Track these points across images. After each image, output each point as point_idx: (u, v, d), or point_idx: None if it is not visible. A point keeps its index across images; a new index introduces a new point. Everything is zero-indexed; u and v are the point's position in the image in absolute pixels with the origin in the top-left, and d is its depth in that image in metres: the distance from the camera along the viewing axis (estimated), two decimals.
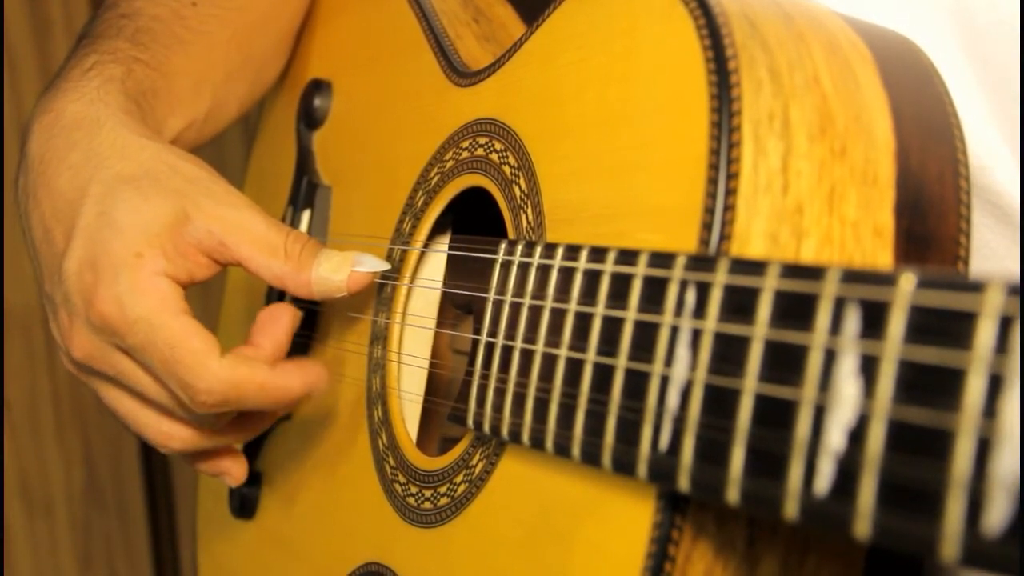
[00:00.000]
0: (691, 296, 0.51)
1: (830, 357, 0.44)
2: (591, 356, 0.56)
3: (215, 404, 0.69)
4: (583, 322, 0.57)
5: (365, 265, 0.74)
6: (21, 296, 1.62)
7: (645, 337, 0.53)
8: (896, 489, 0.41)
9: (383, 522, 0.75)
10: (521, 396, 0.60)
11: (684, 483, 0.50)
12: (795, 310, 0.46)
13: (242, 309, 1.01)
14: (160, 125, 0.83)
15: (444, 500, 0.69)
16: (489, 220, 0.72)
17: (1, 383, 1.63)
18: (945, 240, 0.56)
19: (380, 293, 0.80)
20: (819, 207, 0.53)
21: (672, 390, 0.51)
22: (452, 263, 0.77)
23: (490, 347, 0.64)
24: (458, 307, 0.76)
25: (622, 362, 0.54)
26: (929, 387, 0.40)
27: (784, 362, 0.45)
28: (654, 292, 0.53)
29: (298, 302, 0.81)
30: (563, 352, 0.58)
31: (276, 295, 0.91)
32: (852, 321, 0.43)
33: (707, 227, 0.53)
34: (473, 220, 0.78)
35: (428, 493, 0.71)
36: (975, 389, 0.38)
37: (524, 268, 0.63)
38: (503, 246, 0.65)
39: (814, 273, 0.45)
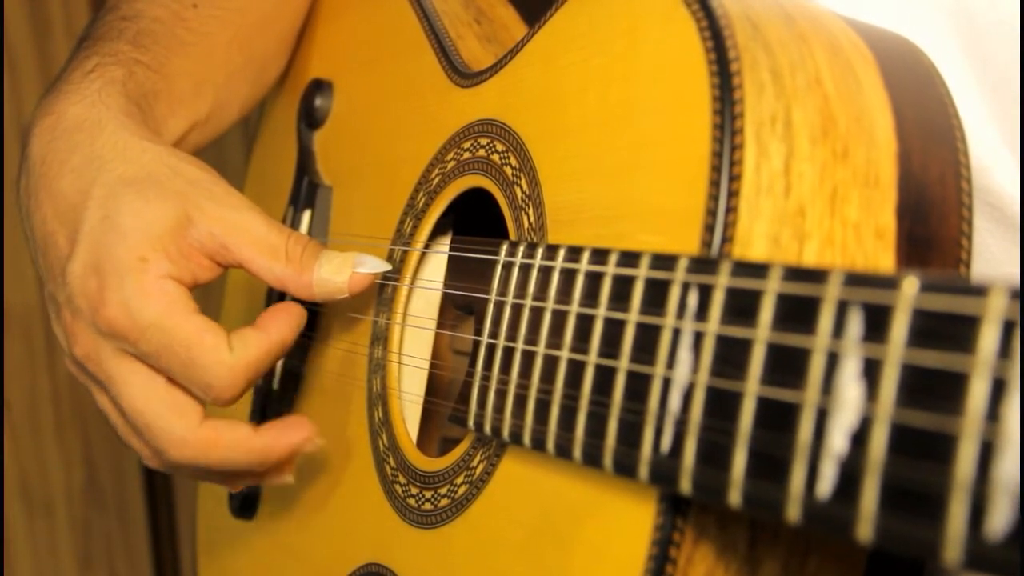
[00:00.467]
0: (693, 298, 0.50)
1: (832, 360, 0.44)
2: (593, 358, 0.56)
3: (238, 396, 0.71)
4: (585, 324, 0.57)
5: (366, 266, 0.74)
6: (21, 296, 1.62)
7: (647, 339, 0.53)
8: (898, 492, 0.41)
9: (383, 523, 0.75)
10: (522, 397, 0.60)
11: (686, 485, 0.50)
12: (797, 313, 0.46)
13: (242, 310, 1.01)
14: (161, 127, 0.83)
15: (445, 501, 0.69)
16: (490, 221, 0.72)
17: (1, 383, 1.63)
18: (947, 242, 0.56)
19: (381, 294, 0.80)
20: (821, 209, 0.53)
21: (674, 392, 0.50)
22: (453, 264, 0.77)
23: (491, 348, 0.64)
24: (459, 308, 0.76)
25: (624, 364, 0.54)
26: (932, 391, 0.40)
27: (786, 365, 0.45)
28: (656, 294, 0.53)
29: (299, 303, 0.81)
30: (565, 354, 0.58)
31: (276, 296, 0.91)
32: (855, 324, 0.43)
33: (709, 229, 0.53)
34: (474, 221, 0.78)
35: (428, 494, 0.71)
36: (978, 393, 0.38)
37: (525, 269, 0.63)
38: (504, 247, 0.65)
39: (816, 276, 0.45)
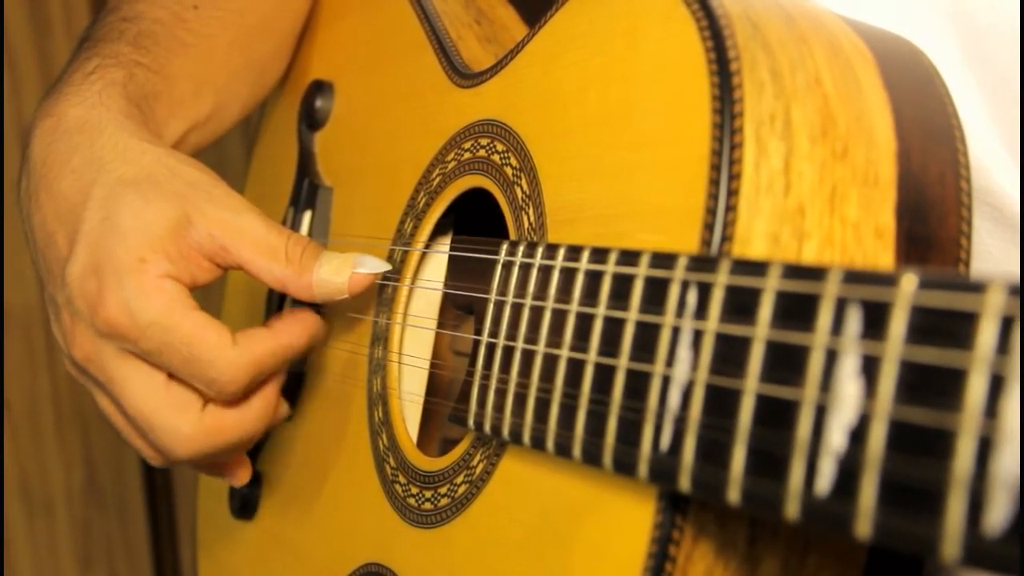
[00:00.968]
0: (692, 297, 0.51)
1: (831, 357, 0.44)
2: (592, 356, 0.56)
3: (241, 391, 0.71)
4: (584, 323, 0.57)
5: (366, 266, 0.74)
6: (21, 296, 1.62)
7: (646, 337, 0.53)
8: (897, 489, 0.41)
9: (383, 522, 0.75)
10: (522, 396, 0.61)
11: (685, 483, 0.50)
12: (796, 311, 0.46)
13: (242, 311, 1.01)
14: (161, 128, 0.83)
15: (444, 500, 0.69)
16: (491, 221, 0.73)
17: (1, 383, 1.63)
18: (946, 241, 0.56)
19: (381, 294, 0.80)
20: (820, 208, 0.53)
21: (673, 390, 0.51)
22: (453, 264, 0.77)
23: (491, 348, 0.64)
24: (459, 308, 0.76)
25: (623, 362, 0.54)
26: (930, 387, 0.40)
27: (785, 362, 0.46)
28: (655, 293, 0.53)
29: (313, 310, 0.81)
30: (564, 352, 0.58)
31: (277, 298, 0.91)
32: (853, 321, 0.43)
33: (708, 228, 0.53)
34: (475, 221, 0.78)
35: (428, 494, 0.71)
36: (976, 389, 0.39)
37: (525, 269, 0.63)
38: (504, 247, 0.65)
39: (815, 274, 0.45)
